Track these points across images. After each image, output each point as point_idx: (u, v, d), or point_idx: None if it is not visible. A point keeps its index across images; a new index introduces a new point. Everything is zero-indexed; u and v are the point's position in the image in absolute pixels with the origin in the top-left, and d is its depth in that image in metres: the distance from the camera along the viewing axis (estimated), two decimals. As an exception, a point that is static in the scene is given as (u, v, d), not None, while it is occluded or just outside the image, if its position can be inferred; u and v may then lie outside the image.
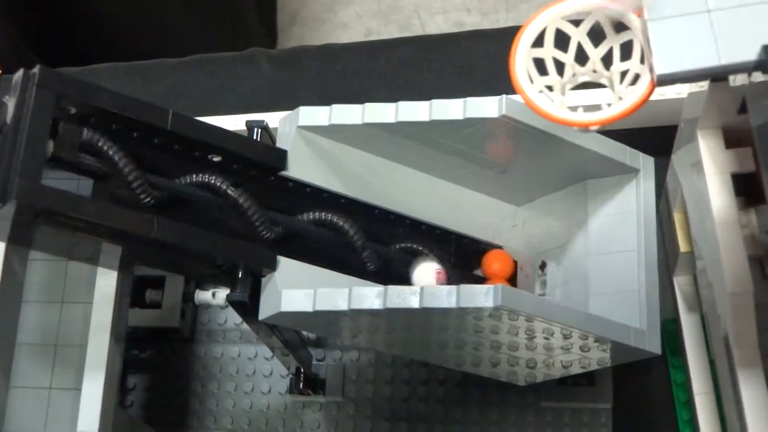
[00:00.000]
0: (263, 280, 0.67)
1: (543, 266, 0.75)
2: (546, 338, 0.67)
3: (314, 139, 0.71)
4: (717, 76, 0.48)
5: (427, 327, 0.67)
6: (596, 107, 0.50)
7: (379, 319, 0.65)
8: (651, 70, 0.48)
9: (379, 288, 0.63)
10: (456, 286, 0.61)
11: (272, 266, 0.66)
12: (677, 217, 0.72)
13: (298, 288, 0.64)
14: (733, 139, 0.60)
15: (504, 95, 0.67)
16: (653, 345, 0.68)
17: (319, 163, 0.71)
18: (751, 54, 0.45)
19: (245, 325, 0.89)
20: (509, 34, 0.53)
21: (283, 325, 0.67)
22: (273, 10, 2.04)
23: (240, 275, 0.66)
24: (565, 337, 0.67)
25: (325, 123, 0.70)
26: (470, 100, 0.67)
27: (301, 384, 0.85)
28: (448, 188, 0.76)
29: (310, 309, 0.65)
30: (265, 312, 0.66)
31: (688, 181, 0.68)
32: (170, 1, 1.54)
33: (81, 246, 0.67)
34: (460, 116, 0.68)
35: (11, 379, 0.68)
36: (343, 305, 0.64)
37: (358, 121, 0.69)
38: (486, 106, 0.67)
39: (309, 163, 0.70)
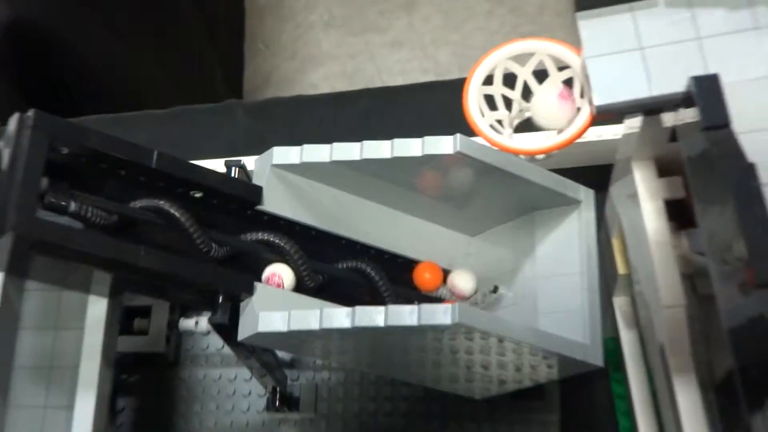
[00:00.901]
0: (242, 304, 0.65)
1: (495, 290, 0.74)
2: (499, 355, 0.67)
3: (287, 177, 0.70)
4: (649, 107, 0.47)
5: (392, 345, 0.66)
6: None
7: (348, 337, 0.63)
8: (590, 103, 0.48)
9: (348, 309, 0.62)
10: (417, 306, 0.60)
11: (250, 291, 0.65)
12: (615, 243, 0.72)
13: (273, 311, 0.62)
14: (664, 168, 0.60)
15: (458, 134, 0.66)
16: (596, 358, 0.67)
17: (291, 198, 0.70)
18: (680, 86, 0.45)
19: (226, 350, 0.88)
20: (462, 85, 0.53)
21: (260, 344, 0.66)
22: (240, 74, 2.04)
23: (220, 300, 0.65)
24: (516, 353, 0.66)
25: (297, 161, 0.69)
26: (428, 138, 0.67)
27: (277, 402, 0.84)
28: (408, 220, 0.76)
29: (284, 329, 0.63)
30: (243, 333, 0.65)
31: (625, 211, 0.67)
32: (145, 60, 1.53)
33: (74, 275, 0.66)
34: (419, 153, 0.67)
35: (8, 398, 0.66)
36: (314, 325, 0.63)
37: (327, 159, 0.69)
38: (442, 143, 0.66)
39: (282, 198, 0.69)
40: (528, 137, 0.73)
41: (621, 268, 0.70)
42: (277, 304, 0.64)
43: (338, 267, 0.71)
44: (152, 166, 0.63)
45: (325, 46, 2.09)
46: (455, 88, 0.88)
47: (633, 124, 0.60)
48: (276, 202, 0.69)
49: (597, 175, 0.78)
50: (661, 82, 0.46)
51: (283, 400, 0.83)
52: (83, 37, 1.20)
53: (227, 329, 0.65)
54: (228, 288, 0.63)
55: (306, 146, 0.69)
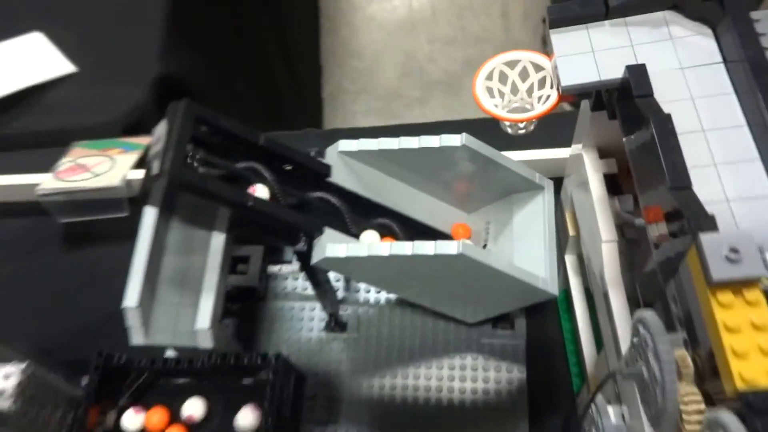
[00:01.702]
0: (315, 241, 0.67)
1: (485, 246, 0.76)
2: (487, 281, 0.68)
3: (348, 160, 0.74)
4: (597, 87, 0.50)
5: (414, 270, 0.68)
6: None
7: (386, 262, 0.65)
8: (558, 90, 0.50)
9: (388, 243, 0.64)
10: (435, 241, 0.62)
11: (321, 231, 0.67)
12: (567, 215, 0.74)
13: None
14: (603, 154, 0.62)
15: (464, 133, 0.69)
16: (552, 288, 0.69)
17: (349, 175, 0.74)
18: (619, 74, 0.47)
19: (298, 290, 0.89)
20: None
21: (324, 267, 0.68)
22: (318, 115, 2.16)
23: (302, 237, 0.66)
24: (498, 280, 0.66)
25: (355, 149, 0.72)
26: (443, 135, 0.69)
27: (332, 325, 0.86)
28: (425, 198, 0.78)
29: (343, 255, 0.66)
30: (315, 258, 0.68)
31: (575, 192, 0.69)
32: (246, 102, 1.57)
33: (203, 215, 0.68)
34: (437, 144, 0.70)
35: (154, 299, 0.67)
36: (363, 252, 0.66)
37: (375, 148, 0.71)
38: (453, 139, 0.69)
39: (343, 174, 0.73)
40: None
41: (571, 231, 0.73)
42: (337, 241, 0.67)
43: (374, 222, 0.73)
44: (259, 143, 0.66)
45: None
46: (461, 126, 0.91)
47: (576, 147, 0.62)
48: (339, 177, 0.73)
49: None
50: (606, 72, 0.49)
51: (336, 324, 0.84)
52: (206, 83, 1.23)
53: (305, 256, 0.67)
54: (307, 228, 0.66)
55: (361, 139, 0.72)
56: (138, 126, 1.04)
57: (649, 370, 0.40)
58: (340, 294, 0.88)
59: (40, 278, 0.94)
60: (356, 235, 0.72)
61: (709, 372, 0.37)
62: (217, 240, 0.70)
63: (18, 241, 0.98)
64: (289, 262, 0.89)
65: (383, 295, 0.88)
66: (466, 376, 0.82)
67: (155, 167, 0.61)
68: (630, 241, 0.61)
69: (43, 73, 1.07)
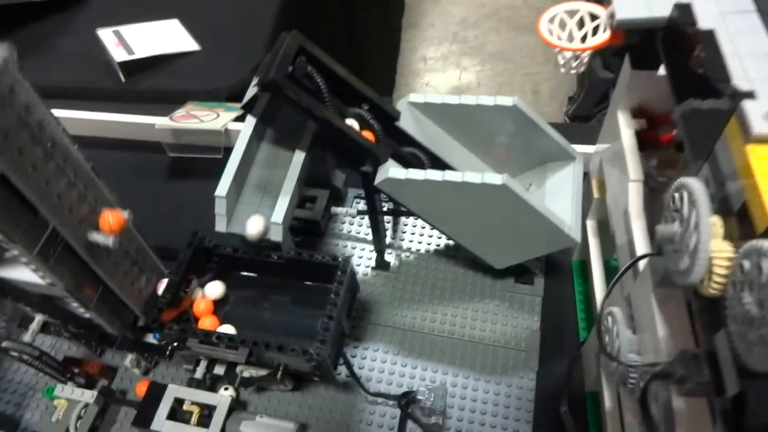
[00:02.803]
0: (380, 167, 0.66)
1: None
2: (520, 218, 0.64)
3: (415, 111, 0.72)
4: (647, 24, 0.48)
5: (461, 199, 0.65)
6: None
7: (439, 188, 0.63)
8: (611, 28, 0.48)
9: (442, 171, 0.62)
10: (483, 173, 0.61)
11: (386, 159, 0.65)
12: (594, 182, 0.71)
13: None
14: (635, 113, 0.59)
15: (516, 96, 0.67)
16: (576, 236, 0.66)
17: (413, 124, 0.72)
18: (667, 12, 0.46)
19: (353, 232, 0.87)
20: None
21: (385, 189, 0.66)
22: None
23: (368, 160, 0.65)
24: (530, 218, 0.63)
25: (422, 101, 0.71)
26: (498, 96, 0.68)
27: (378, 264, 0.84)
28: (472, 157, 0.77)
29: (403, 177, 0.64)
30: (379, 178, 0.66)
31: (606, 152, 0.66)
32: None
33: (290, 135, 0.67)
34: (491, 103, 0.68)
35: (239, 199, 0.66)
36: (421, 176, 0.64)
37: (439, 101, 0.70)
38: (507, 99, 0.67)
39: (409, 122, 0.71)
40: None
41: (596, 194, 0.69)
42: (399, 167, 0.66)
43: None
44: (346, 80, 0.65)
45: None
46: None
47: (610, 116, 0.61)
48: (405, 123, 0.71)
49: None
50: (656, 10, 0.47)
51: (381, 264, 0.82)
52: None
53: (370, 176, 0.65)
54: (376, 151, 0.67)
55: (430, 94, 0.71)
56: (240, 96, 1.06)
57: (683, 227, 0.37)
58: (387, 240, 0.86)
59: (144, 200, 0.94)
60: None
61: (738, 225, 0.34)
62: (299, 156, 0.69)
63: (134, 169, 0.99)
64: (349, 206, 0.88)
65: (423, 245, 0.86)
66: (487, 318, 0.78)
67: (260, 78, 0.61)
68: (651, 190, 0.58)
69: (173, 47, 1.10)
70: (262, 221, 0.64)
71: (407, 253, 0.86)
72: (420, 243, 0.87)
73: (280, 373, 0.65)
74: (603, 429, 0.63)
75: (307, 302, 0.71)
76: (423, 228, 0.88)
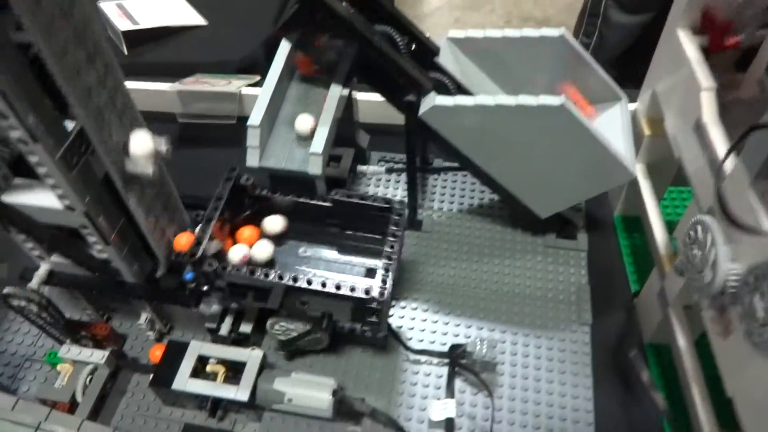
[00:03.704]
0: (423, 98, 0.61)
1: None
2: (576, 148, 0.60)
3: (454, 48, 0.69)
4: None
5: (513, 130, 0.61)
6: None
7: (489, 117, 0.59)
8: None
9: (492, 96, 0.58)
10: (539, 96, 0.57)
11: (431, 89, 0.61)
12: (643, 120, 0.67)
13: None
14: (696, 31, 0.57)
15: (564, 28, 0.64)
16: (633, 170, 0.63)
17: (452, 60, 0.69)
18: None
19: (380, 192, 0.82)
20: None
21: (429, 120, 0.61)
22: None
23: (412, 89, 0.61)
24: (586, 147, 0.59)
25: (462, 37, 0.67)
26: (544, 28, 0.65)
27: (411, 224, 0.78)
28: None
29: (451, 104, 0.59)
30: (424, 107, 0.62)
31: (663, 79, 0.63)
32: None
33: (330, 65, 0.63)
34: (537, 35, 0.65)
35: (270, 134, 0.61)
36: (470, 102, 0.60)
37: (481, 36, 0.66)
38: (553, 31, 0.64)
39: (448, 58, 0.68)
40: None
41: (647, 131, 0.65)
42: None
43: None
44: (389, 10, 0.62)
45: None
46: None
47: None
48: (444, 59, 0.67)
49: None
50: None
51: (413, 223, 0.77)
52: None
53: (414, 106, 0.61)
54: (422, 80, 0.63)
55: (470, 30, 0.67)
56: (249, 69, 1.02)
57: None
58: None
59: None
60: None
61: None
62: (335, 90, 0.64)
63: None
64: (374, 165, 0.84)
65: (455, 205, 0.81)
66: (530, 274, 0.73)
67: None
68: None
69: (179, 20, 1.06)
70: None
71: (439, 213, 0.80)
72: (452, 203, 0.81)
73: (325, 322, 0.58)
74: (666, 378, 0.58)
75: (353, 251, 0.64)
76: (453, 188, 0.83)
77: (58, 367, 0.63)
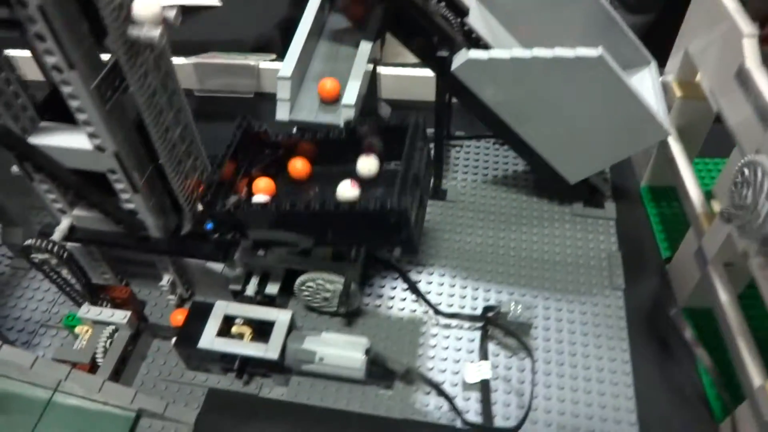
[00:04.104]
0: (456, 54, 0.60)
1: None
2: (612, 106, 0.59)
3: (483, 11, 0.68)
4: None
5: (548, 85, 0.60)
6: None
7: (524, 71, 0.58)
8: None
9: (529, 48, 0.57)
10: (575, 48, 0.56)
11: (463, 45, 0.61)
12: (675, 83, 0.66)
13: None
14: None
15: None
16: (668, 128, 0.62)
17: (480, 21, 0.68)
18: None
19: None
20: None
21: (462, 75, 0.60)
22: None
23: (445, 46, 0.60)
24: (620, 107, 0.59)
25: (492, -4, 0.66)
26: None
27: (435, 193, 0.77)
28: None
29: (486, 57, 0.58)
30: (457, 62, 0.61)
31: (697, 38, 0.62)
32: None
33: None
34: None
35: (300, 89, 0.60)
36: (506, 55, 0.59)
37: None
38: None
39: (477, 20, 0.67)
40: None
41: (678, 93, 0.64)
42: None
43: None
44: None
45: None
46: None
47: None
48: (474, 20, 0.66)
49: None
50: None
51: (438, 192, 0.75)
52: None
53: (446, 62, 0.59)
54: (455, 34, 0.62)
55: (498, -11, 0.66)
56: (265, 48, 1.01)
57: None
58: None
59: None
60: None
61: None
62: (365, 46, 0.63)
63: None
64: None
65: (479, 175, 0.79)
66: (559, 241, 0.72)
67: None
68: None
69: (192, 0, 1.05)
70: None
71: (463, 183, 0.79)
72: (476, 174, 0.80)
73: (355, 252, 0.55)
74: (703, 342, 0.57)
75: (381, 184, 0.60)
76: (476, 159, 0.82)
77: (77, 329, 0.61)
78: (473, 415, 0.58)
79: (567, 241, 0.72)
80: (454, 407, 0.55)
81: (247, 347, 0.57)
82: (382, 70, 0.78)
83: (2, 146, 0.48)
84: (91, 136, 0.48)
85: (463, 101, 0.65)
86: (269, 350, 0.56)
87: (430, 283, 0.69)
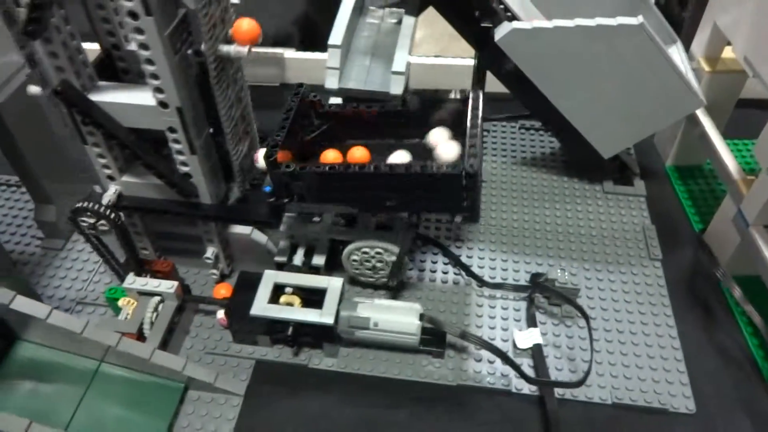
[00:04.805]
0: (498, 26, 0.62)
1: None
2: (648, 75, 0.61)
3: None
4: None
5: (589, 55, 0.61)
6: None
7: (567, 39, 0.59)
8: None
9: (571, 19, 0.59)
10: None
11: (504, 18, 0.62)
12: (702, 59, 0.69)
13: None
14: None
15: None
16: (702, 97, 0.63)
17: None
18: None
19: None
20: None
21: (506, 45, 0.61)
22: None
23: (487, 18, 0.61)
24: (657, 76, 0.60)
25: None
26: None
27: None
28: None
29: (530, 27, 0.59)
30: (500, 33, 0.62)
31: (734, 9, 0.64)
32: None
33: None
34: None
35: (348, 60, 0.60)
36: (550, 25, 0.60)
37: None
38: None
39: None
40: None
41: (707, 68, 0.67)
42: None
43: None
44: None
45: None
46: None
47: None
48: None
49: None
50: None
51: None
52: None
53: (489, 33, 0.60)
54: (497, 8, 0.61)
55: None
56: (284, 43, 1.02)
57: None
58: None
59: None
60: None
61: None
62: (408, 20, 0.64)
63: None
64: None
65: (508, 156, 0.81)
66: (593, 217, 0.73)
67: None
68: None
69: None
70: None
71: (494, 164, 0.80)
72: (504, 155, 0.81)
73: (415, 218, 0.55)
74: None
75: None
76: (503, 141, 0.83)
77: (120, 302, 0.59)
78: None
79: (601, 217, 0.73)
80: (515, 366, 0.54)
81: (301, 312, 0.56)
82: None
83: (63, 101, 0.47)
84: (156, 90, 0.47)
85: (502, 76, 0.67)
86: (324, 315, 0.55)
87: (470, 257, 0.69)
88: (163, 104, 0.48)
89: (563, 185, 0.77)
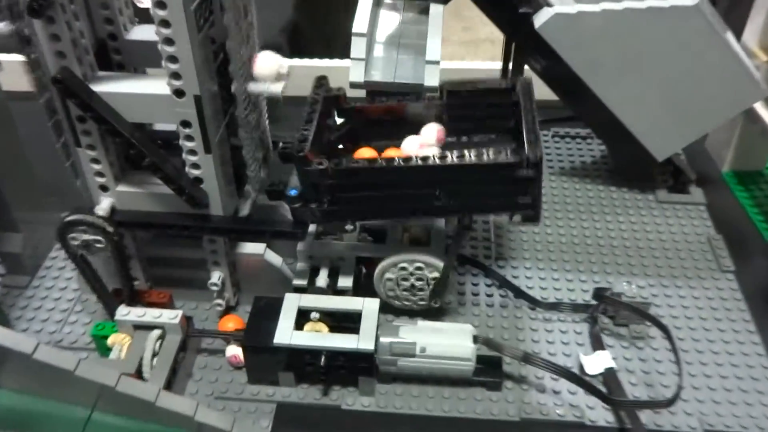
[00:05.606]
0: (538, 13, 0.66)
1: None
2: (705, 64, 0.65)
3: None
4: None
5: (638, 42, 0.65)
6: None
7: (614, 24, 0.64)
8: None
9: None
10: None
11: (543, 4, 0.66)
12: (758, 48, 0.74)
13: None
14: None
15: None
16: (765, 85, 0.67)
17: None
18: None
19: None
20: None
21: (548, 31, 0.65)
22: None
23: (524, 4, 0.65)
24: (714, 63, 0.65)
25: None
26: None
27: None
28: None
29: (573, 12, 0.64)
30: (541, 19, 0.66)
31: None
32: None
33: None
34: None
35: (370, 52, 0.64)
36: (597, 9, 0.64)
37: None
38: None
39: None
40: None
41: (760, 57, 0.72)
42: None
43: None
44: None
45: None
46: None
47: None
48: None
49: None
50: None
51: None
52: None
53: (527, 20, 0.65)
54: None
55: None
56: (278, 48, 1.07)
57: None
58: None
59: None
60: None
61: None
62: (436, 9, 0.67)
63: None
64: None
65: (545, 167, 0.84)
66: (650, 228, 0.76)
67: None
68: None
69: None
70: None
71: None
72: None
73: (467, 219, 0.55)
74: None
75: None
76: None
77: (110, 340, 0.58)
78: (600, 409, 0.58)
79: (659, 228, 0.76)
80: (591, 388, 0.55)
81: (335, 339, 0.56)
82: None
83: (62, 92, 0.49)
84: (173, 76, 0.49)
85: (542, 70, 0.71)
86: (362, 341, 0.56)
87: (516, 277, 0.70)
88: (179, 92, 0.50)
89: (611, 195, 0.81)
